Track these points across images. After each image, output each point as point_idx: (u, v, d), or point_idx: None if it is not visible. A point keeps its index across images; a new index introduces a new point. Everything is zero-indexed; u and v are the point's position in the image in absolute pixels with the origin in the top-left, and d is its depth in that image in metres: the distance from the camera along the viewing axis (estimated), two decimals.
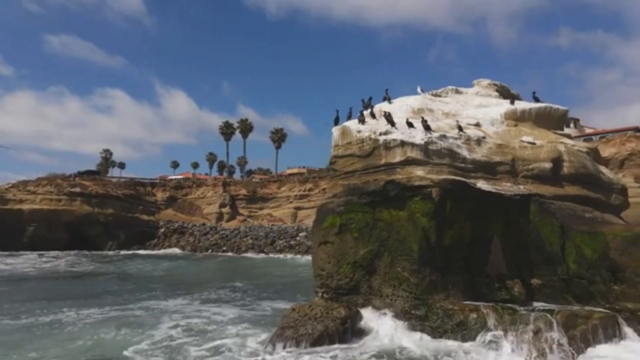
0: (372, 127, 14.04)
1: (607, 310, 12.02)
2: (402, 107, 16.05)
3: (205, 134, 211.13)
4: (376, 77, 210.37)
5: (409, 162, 13.04)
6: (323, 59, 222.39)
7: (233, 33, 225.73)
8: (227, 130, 75.76)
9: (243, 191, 64.77)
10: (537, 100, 16.35)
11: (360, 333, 13.08)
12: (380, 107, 16.11)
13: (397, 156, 13.18)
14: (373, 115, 14.87)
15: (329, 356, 11.65)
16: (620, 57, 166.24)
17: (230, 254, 53.84)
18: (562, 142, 14.37)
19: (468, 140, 13.77)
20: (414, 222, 12.97)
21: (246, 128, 75.78)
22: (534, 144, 14.12)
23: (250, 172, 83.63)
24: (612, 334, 11.72)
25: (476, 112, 16.11)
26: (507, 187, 13.25)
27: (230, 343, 13.22)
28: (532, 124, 15.58)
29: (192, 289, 25.04)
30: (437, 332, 12.54)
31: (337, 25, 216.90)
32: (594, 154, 15.19)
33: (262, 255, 51.77)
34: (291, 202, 62.52)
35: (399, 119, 14.54)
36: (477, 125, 14.99)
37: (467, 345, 11.87)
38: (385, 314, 13.37)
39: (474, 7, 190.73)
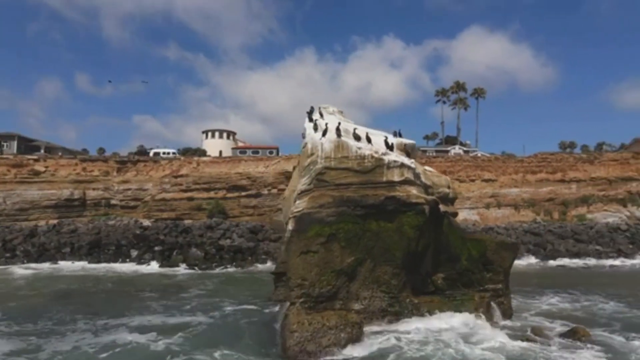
0: (372, 147, 15.35)
1: (485, 292, 18.01)
2: (335, 124, 17.55)
3: None
4: None
5: (406, 182, 15.25)
6: None
7: None
8: None
9: None
10: (400, 136, 21.07)
11: None
12: (320, 122, 17.08)
13: (396, 176, 15.13)
14: (342, 133, 15.96)
15: None
16: (210, 79, 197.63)
17: None
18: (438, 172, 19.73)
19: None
20: (400, 233, 15.28)
21: None
22: (432, 171, 18.84)
23: None
24: (489, 305, 17.77)
25: (375, 139, 19.39)
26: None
27: None
28: (406, 155, 20.23)
29: None
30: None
31: None
32: None
33: None
34: None
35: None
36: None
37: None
38: None
39: None
